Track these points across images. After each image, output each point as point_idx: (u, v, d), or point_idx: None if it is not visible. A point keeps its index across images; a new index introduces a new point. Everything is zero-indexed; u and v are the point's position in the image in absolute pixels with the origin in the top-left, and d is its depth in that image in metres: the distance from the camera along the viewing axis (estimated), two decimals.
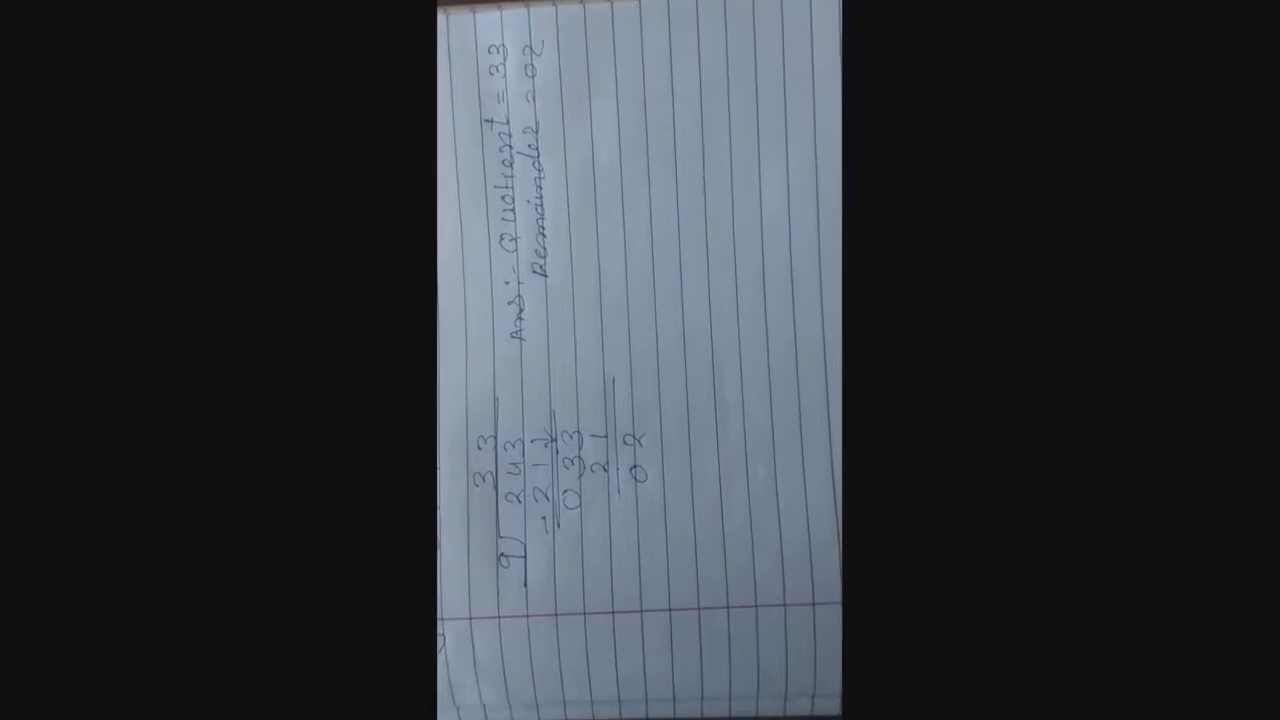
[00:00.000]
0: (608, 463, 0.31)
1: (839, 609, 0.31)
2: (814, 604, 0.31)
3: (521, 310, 0.32)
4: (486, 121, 0.32)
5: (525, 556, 0.31)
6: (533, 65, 0.31)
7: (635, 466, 0.31)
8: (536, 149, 0.32)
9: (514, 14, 0.31)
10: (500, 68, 0.32)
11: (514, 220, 0.32)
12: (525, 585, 0.31)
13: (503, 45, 0.32)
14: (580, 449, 0.31)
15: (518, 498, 0.31)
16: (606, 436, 0.31)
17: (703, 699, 0.31)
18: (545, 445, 0.31)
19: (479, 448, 0.31)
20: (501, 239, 0.32)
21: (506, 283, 0.32)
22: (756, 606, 0.31)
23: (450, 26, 0.32)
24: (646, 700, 0.31)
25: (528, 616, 0.31)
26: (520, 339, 0.32)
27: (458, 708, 0.31)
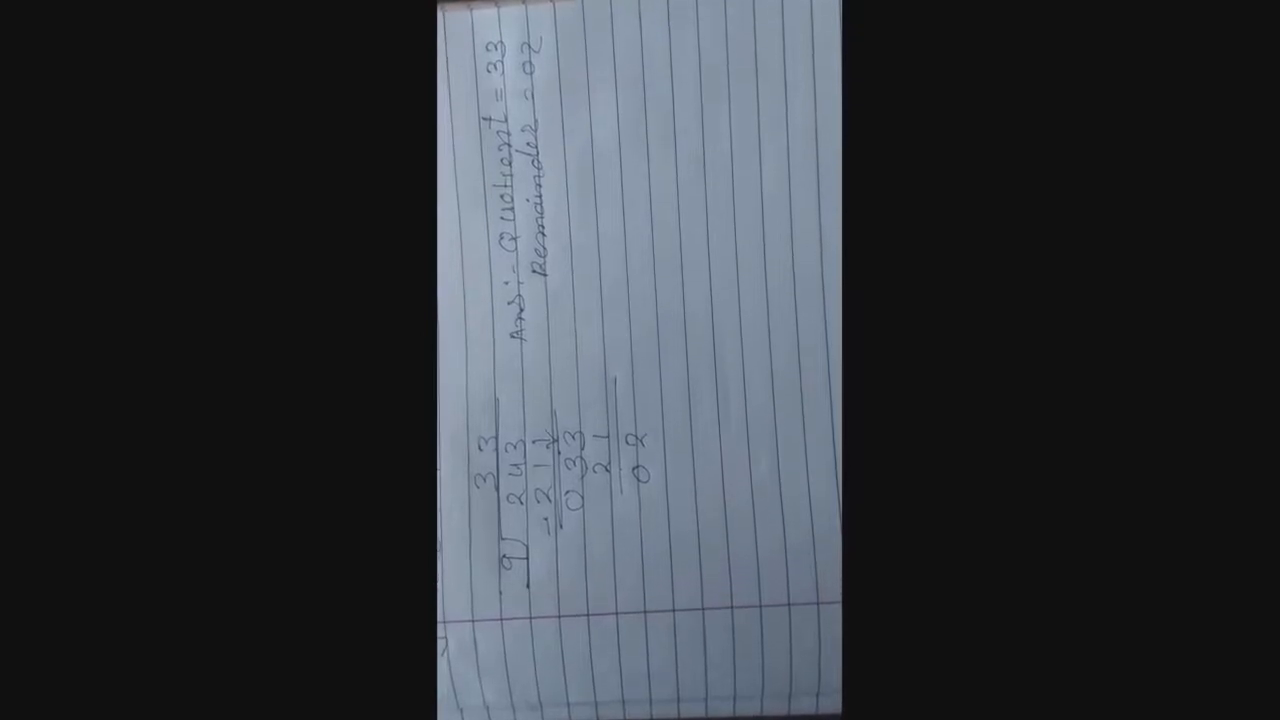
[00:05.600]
0: (610, 463, 0.31)
1: (842, 608, 0.30)
2: (818, 603, 0.31)
3: (522, 310, 0.31)
4: (484, 120, 0.31)
5: (527, 558, 0.31)
6: (530, 62, 0.31)
7: (638, 467, 0.31)
8: (535, 147, 0.31)
9: (511, 11, 0.31)
10: (498, 65, 0.31)
11: (513, 219, 0.31)
12: (528, 587, 0.31)
13: (500, 42, 0.31)
14: (582, 449, 0.31)
15: (519, 499, 0.31)
16: (608, 437, 0.31)
17: (707, 699, 0.31)
18: (547, 446, 0.31)
19: (480, 449, 0.31)
20: (501, 238, 0.31)
21: (506, 282, 0.31)
22: (760, 606, 0.31)
23: (447, 24, 0.31)
24: (650, 701, 0.31)
25: (530, 618, 0.31)
26: (521, 339, 0.31)
27: (461, 710, 0.31)
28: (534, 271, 0.31)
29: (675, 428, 0.31)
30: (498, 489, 0.31)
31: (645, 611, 0.31)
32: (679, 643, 0.31)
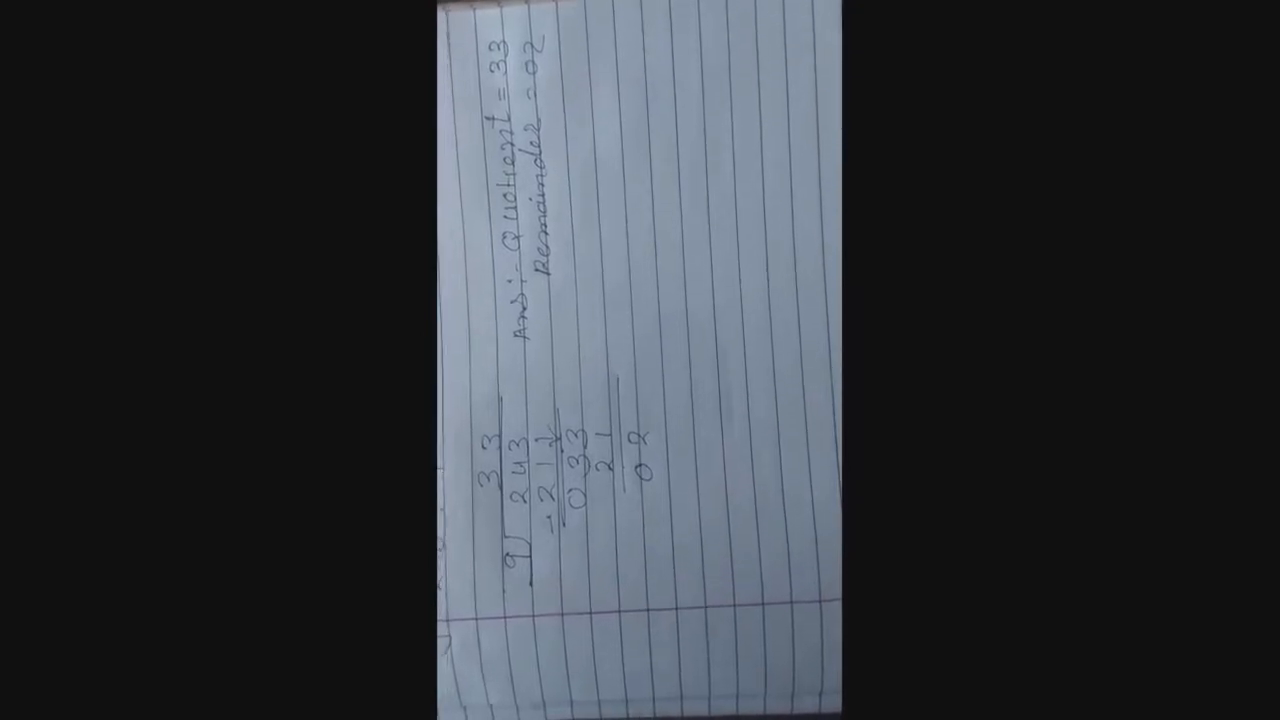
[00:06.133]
0: (613, 461, 0.31)
1: (842, 607, 0.30)
2: (820, 601, 0.31)
3: (525, 309, 0.31)
4: (488, 119, 0.31)
5: (530, 556, 0.31)
6: (533, 62, 0.31)
7: (640, 465, 0.31)
8: (538, 146, 0.31)
9: (514, 10, 0.31)
10: (501, 64, 0.31)
11: (516, 218, 0.32)
12: (531, 585, 0.31)
13: (503, 42, 0.31)
14: (585, 448, 0.31)
15: (523, 497, 0.31)
16: (611, 435, 0.31)
17: (710, 697, 0.31)
18: (550, 444, 0.31)
19: (483, 447, 0.31)
20: (504, 237, 0.32)
21: (509, 281, 0.32)
22: (763, 604, 0.31)
23: (450, 24, 0.31)
24: (653, 699, 0.31)
25: (534, 616, 0.31)
26: (524, 338, 0.31)
27: (464, 708, 0.31)
28: (537, 270, 0.31)
29: (677, 425, 0.31)
30: (501, 487, 0.31)
31: (648, 610, 0.31)
32: (682, 641, 0.31)
